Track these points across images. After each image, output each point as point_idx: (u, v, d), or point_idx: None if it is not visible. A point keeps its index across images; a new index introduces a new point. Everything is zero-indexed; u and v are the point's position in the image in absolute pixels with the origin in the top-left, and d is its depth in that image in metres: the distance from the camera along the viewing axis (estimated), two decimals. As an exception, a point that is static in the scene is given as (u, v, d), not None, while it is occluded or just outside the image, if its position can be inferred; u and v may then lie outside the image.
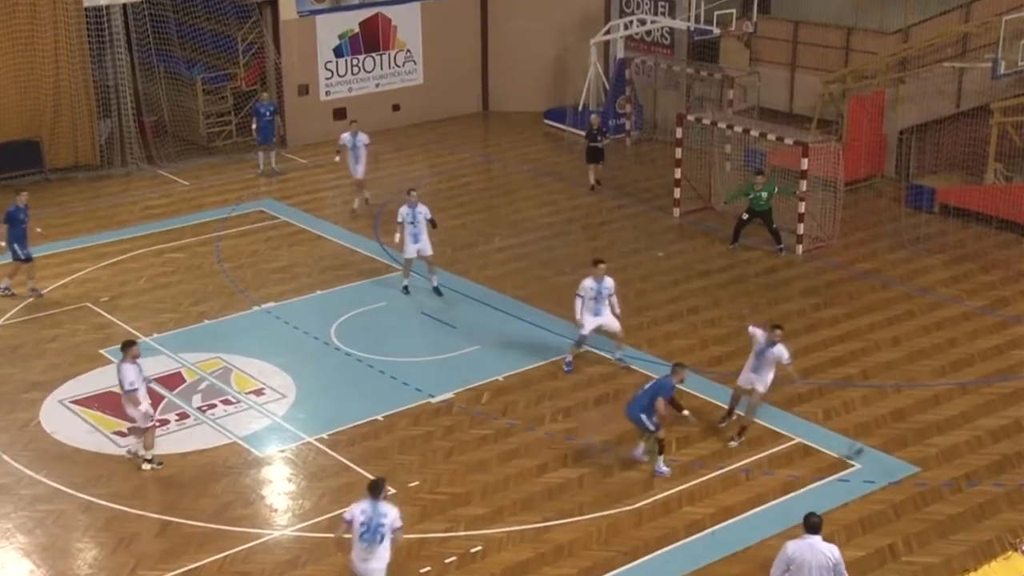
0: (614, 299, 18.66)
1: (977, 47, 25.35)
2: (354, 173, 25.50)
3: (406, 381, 18.57)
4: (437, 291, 21.56)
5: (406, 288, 21.69)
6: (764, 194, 22.90)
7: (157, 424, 16.79)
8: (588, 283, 18.58)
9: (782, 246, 23.26)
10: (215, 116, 30.41)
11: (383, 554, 12.96)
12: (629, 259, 23.27)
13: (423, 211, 21.30)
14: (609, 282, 18.60)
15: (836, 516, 14.99)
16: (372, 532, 12.88)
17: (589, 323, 18.63)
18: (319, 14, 30.39)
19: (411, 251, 21.33)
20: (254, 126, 28.04)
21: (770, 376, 16.88)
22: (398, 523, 13.03)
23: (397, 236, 21.28)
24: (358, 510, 12.95)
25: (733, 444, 16.87)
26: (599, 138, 26.80)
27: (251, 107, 28.92)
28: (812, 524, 12.39)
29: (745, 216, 23.29)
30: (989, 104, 24.19)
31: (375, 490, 13.03)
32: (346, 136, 25.50)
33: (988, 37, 24.54)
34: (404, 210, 21.28)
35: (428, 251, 21.39)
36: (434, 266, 21.61)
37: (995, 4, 25.10)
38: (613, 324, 18.80)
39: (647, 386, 16.21)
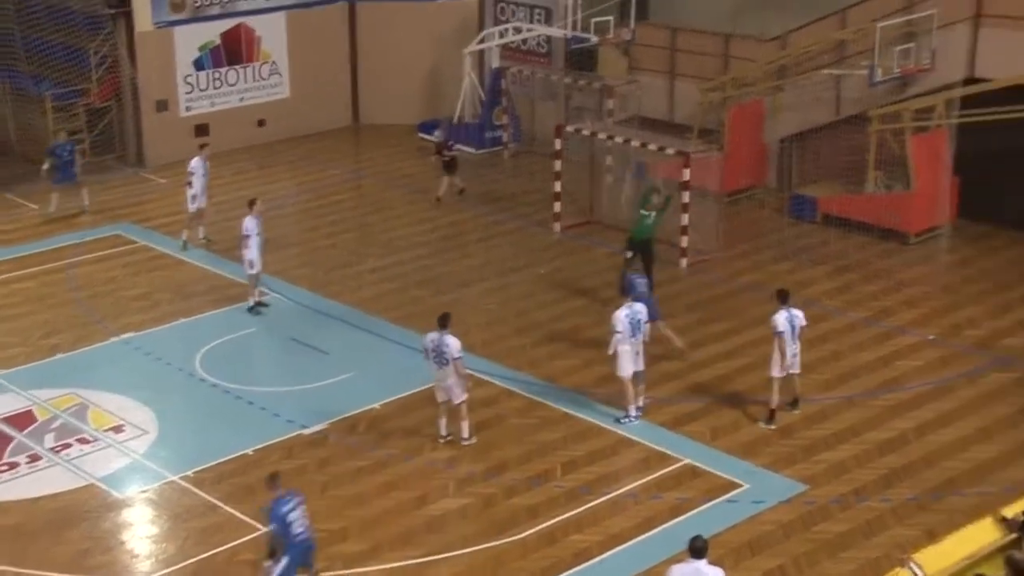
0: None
1: (853, 54, 25.47)
2: (199, 203, 24.08)
3: (277, 412, 18.00)
4: (255, 309, 21.41)
5: (263, 304, 21.34)
6: (654, 216, 21.19)
7: None
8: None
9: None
10: (66, 135, 29.03)
11: (450, 373, 16.57)
12: (508, 277, 22.94)
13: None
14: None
15: (725, 538, 14.83)
16: (439, 357, 16.50)
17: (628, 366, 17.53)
18: (177, 25, 29.55)
19: (260, 264, 21.07)
20: (45, 166, 26.06)
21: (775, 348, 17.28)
22: (456, 353, 16.44)
23: (252, 251, 20.93)
24: (429, 339, 16.62)
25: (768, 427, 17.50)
26: (447, 152, 26.54)
27: (47, 150, 26.79)
28: (697, 548, 12.25)
29: (629, 254, 21.25)
30: (867, 112, 24.21)
31: (442, 323, 16.58)
32: (197, 163, 24.04)
33: (864, 43, 24.62)
34: (251, 223, 20.99)
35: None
36: None
37: (870, 10, 25.24)
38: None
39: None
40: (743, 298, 21.79)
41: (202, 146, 24.61)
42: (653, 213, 21.27)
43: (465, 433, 17.03)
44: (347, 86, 32.60)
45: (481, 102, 30.45)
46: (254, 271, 21.17)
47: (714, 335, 20.34)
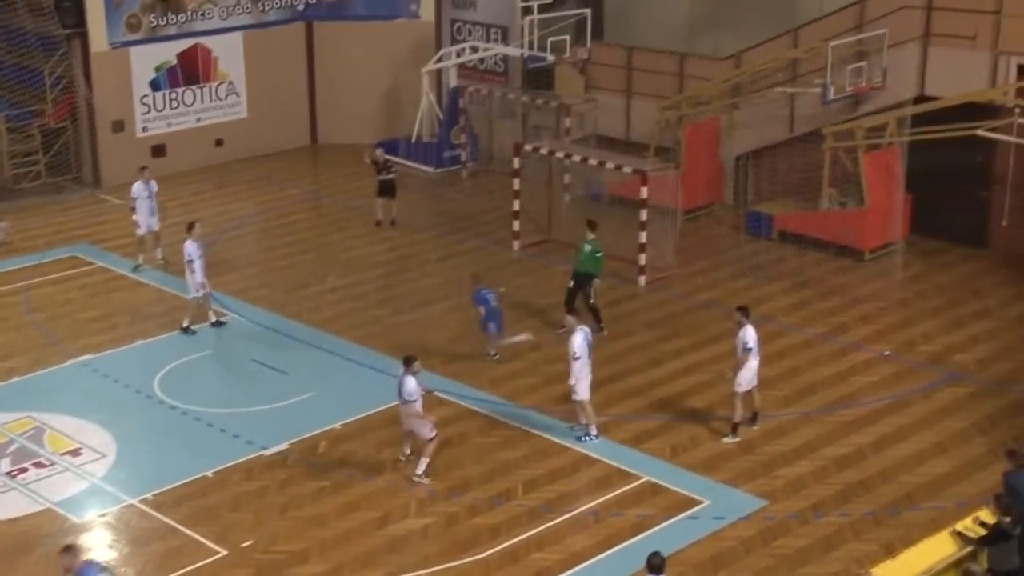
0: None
1: (807, 72, 25.72)
2: (149, 226, 23.92)
3: (237, 433, 17.92)
4: (189, 330, 21.31)
5: (219, 323, 21.48)
6: (587, 248, 20.88)
7: None
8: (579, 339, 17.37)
9: (602, 327, 20.78)
10: (21, 156, 29.02)
11: (408, 411, 16.64)
12: (468, 296, 22.64)
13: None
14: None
15: (687, 555, 14.91)
16: (398, 395, 16.69)
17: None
18: (133, 45, 29.36)
19: (205, 286, 21.16)
20: None
21: (742, 364, 17.33)
22: (409, 396, 16.44)
23: (199, 275, 21.01)
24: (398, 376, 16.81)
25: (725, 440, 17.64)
26: (383, 172, 26.01)
27: None
28: (654, 565, 12.41)
29: (571, 283, 21.14)
30: (821, 129, 24.45)
31: (405, 363, 16.58)
32: (139, 187, 23.82)
33: (817, 62, 24.88)
34: (192, 247, 21.02)
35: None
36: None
37: (822, 29, 25.51)
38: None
39: None
40: (701, 315, 21.91)
41: (142, 169, 24.37)
42: (591, 242, 20.91)
43: (419, 470, 16.70)
44: (305, 106, 32.52)
45: (439, 121, 30.49)
46: (205, 292, 21.13)
47: (673, 352, 20.44)
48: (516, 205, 24.88)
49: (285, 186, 29.51)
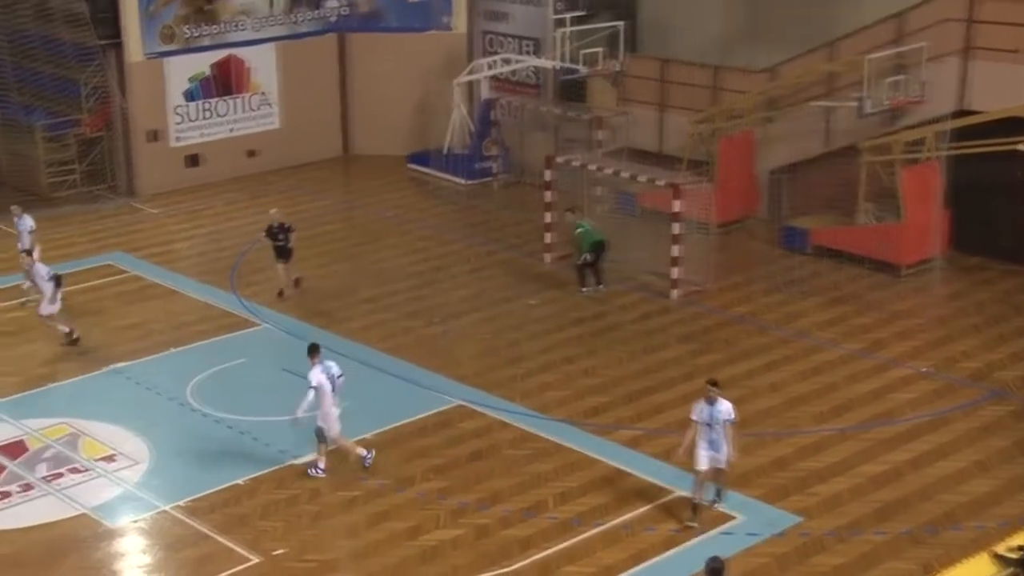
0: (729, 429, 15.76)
1: (843, 86, 25.52)
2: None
3: (268, 442, 17.89)
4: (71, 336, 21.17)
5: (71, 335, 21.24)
6: (582, 229, 23.24)
7: None
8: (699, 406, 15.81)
9: (602, 285, 23.38)
10: (57, 165, 29.22)
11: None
12: (500, 308, 22.85)
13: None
14: (725, 407, 15.77)
15: (720, 570, 14.61)
16: None
17: (703, 459, 15.78)
18: (168, 56, 29.51)
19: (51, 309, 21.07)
20: None
21: (732, 438, 15.70)
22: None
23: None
24: None
25: (693, 525, 15.85)
26: (281, 236, 23.13)
27: None
28: (713, 570, 12.18)
29: (587, 258, 23.28)
30: (857, 143, 24.26)
31: None
32: (16, 222, 23.43)
33: (853, 76, 24.69)
34: (38, 269, 21.19)
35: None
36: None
37: (859, 43, 25.32)
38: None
39: None
40: (734, 330, 21.76)
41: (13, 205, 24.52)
42: (583, 222, 23.32)
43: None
44: (337, 117, 32.58)
45: (471, 133, 30.47)
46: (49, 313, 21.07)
47: (706, 366, 20.22)
48: (548, 218, 24.81)
49: (317, 197, 29.55)
